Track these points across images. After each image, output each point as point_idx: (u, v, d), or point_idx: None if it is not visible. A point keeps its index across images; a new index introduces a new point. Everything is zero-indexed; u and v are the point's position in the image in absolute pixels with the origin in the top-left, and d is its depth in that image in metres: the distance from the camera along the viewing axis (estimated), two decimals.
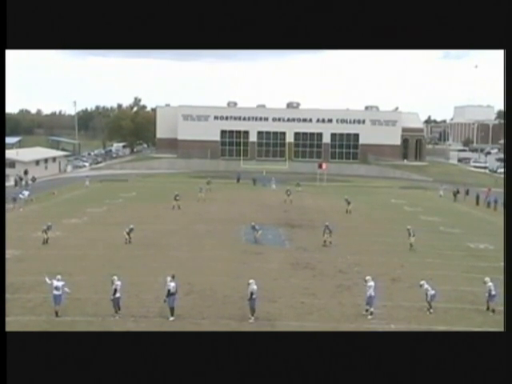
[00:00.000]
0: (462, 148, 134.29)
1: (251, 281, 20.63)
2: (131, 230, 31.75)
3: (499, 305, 19.97)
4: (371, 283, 21.10)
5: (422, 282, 21.88)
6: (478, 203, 52.14)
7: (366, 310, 20.91)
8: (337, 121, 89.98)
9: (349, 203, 44.70)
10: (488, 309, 21.41)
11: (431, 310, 21.34)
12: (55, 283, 20.29)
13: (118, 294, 20.30)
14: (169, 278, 20.68)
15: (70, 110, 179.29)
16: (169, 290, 20.12)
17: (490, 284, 21.49)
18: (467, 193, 54.61)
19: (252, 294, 20.25)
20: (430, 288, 21.51)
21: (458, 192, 54.15)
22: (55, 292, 20.14)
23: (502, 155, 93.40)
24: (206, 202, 48.29)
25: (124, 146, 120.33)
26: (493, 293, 21.29)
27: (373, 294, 20.90)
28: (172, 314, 20.09)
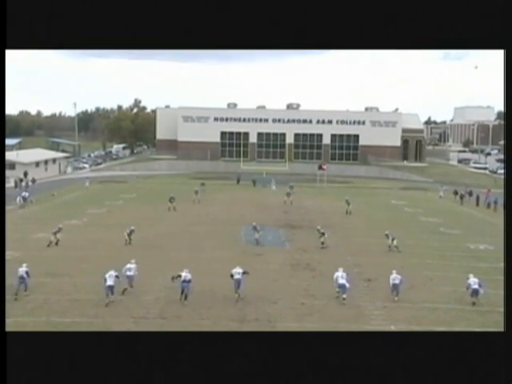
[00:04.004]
0: (462, 149, 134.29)
1: (233, 270, 22.71)
2: (132, 231, 31.82)
3: (483, 299, 22.11)
4: (340, 273, 22.65)
5: (393, 271, 23.29)
6: (478, 204, 52.14)
7: (343, 299, 22.14)
8: (337, 122, 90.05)
9: (348, 204, 44.80)
10: (474, 304, 22.13)
11: (396, 298, 22.49)
12: (111, 273, 22.05)
13: (109, 282, 21.45)
14: (185, 270, 22.30)
15: (70, 112, 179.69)
16: (179, 275, 21.95)
17: (471, 280, 22.39)
18: (470, 194, 54.52)
19: (232, 275, 22.53)
20: (397, 277, 22.76)
21: (463, 195, 53.79)
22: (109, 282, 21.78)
23: (502, 156, 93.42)
24: (202, 204, 48.32)
25: (124, 148, 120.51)
26: (473, 287, 22.13)
27: (344, 282, 22.25)
28: (184, 298, 21.77)
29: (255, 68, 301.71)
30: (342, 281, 22.35)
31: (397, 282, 22.65)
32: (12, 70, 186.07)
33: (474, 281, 22.37)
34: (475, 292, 22.16)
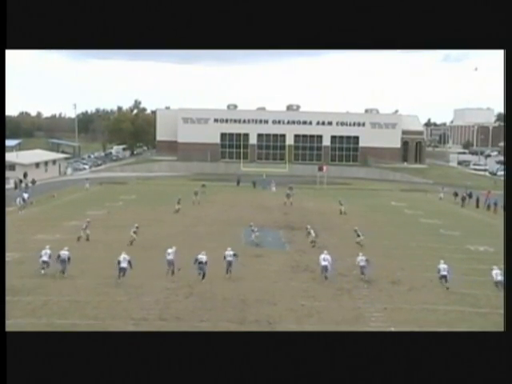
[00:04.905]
0: (461, 151, 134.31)
1: (226, 252, 25.78)
2: (137, 228, 32.84)
3: (453, 285, 24.17)
4: (324, 256, 25.62)
5: (359, 254, 26.24)
6: (478, 206, 52.15)
7: (326, 277, 25.22)
8: (337, 123, 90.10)
9: (341, 204, 45.34)
10: (447, 288, 24.07)
11: (366, 279, 25.24)
12: (124, 256, 24.77)
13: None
14: (202, 252, 25.22)
15: (70, 113, 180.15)
16: (195, 260, 24.79)
17: (441, 266, 24.61)
18: (470, 195, 54.52)
19: (225, 257, 25.51)
20: (363, 259, 25.58)
21: (464, 197, 53.69)
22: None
23: (501, 158, 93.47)
24: (202, 205, 48.28)
25: (124, 149, 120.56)
26: (442, 273, 24.35)
27: (327, 264, 25.22)
28: (202, 277, 24.56)
29: (255, 69, 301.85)
30: (324, 263, 25.34)
31: (326, 263, 25.38)
32: (12, 71, 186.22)
33: (443, 267, 24.54)
34: (444, 277, 24.29)
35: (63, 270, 24.95)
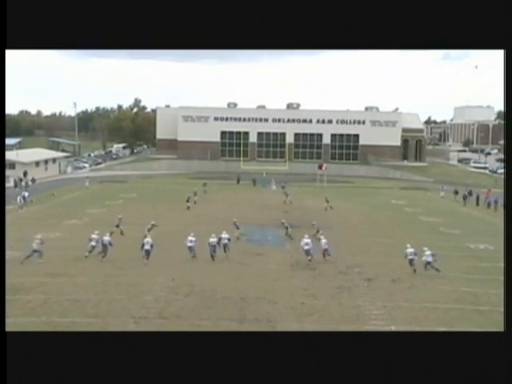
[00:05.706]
0: (462, 149, 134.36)
1: (222, 236, 28.57)
2: (153, 225, 33.09)
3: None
4: (306, 240, 27.71)
5: (305, 235, 28.39)
6: (478, 204, 52.12)
7: (310, 260, 27.37)
8: (337, 121, 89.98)
9: (328, 201, 46.31)
10: (414, 271, 26.07)
11: (309, 258, 27.44)
12: (148, 239, 27.66)
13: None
14: (212, 235, 28.07)
15: (70, 111, 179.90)
16: (208, 243, 27.62)
17: (407, 251, 26.47)
18: (470, 193, 54.46)
19: (220, 239, 28.39)
20: (309, 243, 27.68)
21: (466, 196, 53.58)
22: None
23: (501, 156, 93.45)
24: (202, 204, 48.23)
25: (124, 147, 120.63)
26: (409, 257, 26.29)
27: (309, 248, 27.40)
28: (212, 259, 27.61)
29: (255, 68, 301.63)
30: (306, 247, 27.42)
31: (308, 247, 27.38)
32: (12, 70, 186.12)
33: (410, 251, 26.42)
34: (411, 261, 26.27)
35: (104, 254, 27.70)
